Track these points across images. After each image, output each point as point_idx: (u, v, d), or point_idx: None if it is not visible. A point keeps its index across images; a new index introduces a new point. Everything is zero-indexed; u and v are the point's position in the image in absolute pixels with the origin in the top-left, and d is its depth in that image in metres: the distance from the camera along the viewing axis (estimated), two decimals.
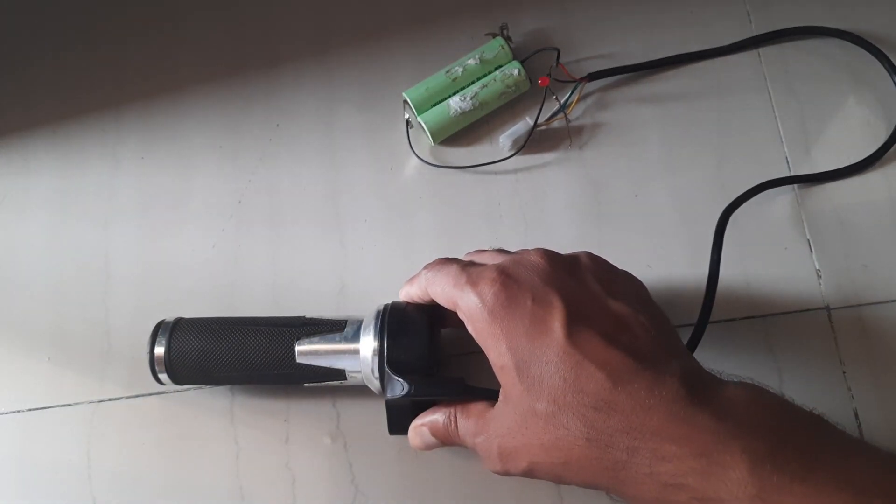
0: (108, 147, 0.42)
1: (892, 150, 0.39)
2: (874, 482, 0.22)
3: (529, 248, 0.31)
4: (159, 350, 0.33)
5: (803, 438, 0.24)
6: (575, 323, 0.26)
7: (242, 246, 0.39)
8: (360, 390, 0.33)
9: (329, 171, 0.41)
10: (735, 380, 0.27)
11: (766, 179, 0.38)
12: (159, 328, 0.33)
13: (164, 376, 0.33)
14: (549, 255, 0.30)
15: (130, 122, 0.42)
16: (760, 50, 0.42)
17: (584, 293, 0.28)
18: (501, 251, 0.32)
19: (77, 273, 0.39)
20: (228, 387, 0.36)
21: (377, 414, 0.33)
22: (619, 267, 0.31)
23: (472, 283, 0.28)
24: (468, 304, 0.28)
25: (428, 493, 0.34)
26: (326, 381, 0.33)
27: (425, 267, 0.32)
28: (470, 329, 0.29)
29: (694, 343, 0.33)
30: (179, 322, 0.34)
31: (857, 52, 0.40)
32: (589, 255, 0.30)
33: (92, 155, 0.42)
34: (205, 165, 0.41)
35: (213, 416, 0.36)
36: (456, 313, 0.29)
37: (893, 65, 0.40)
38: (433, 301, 0.31)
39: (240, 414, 0.36)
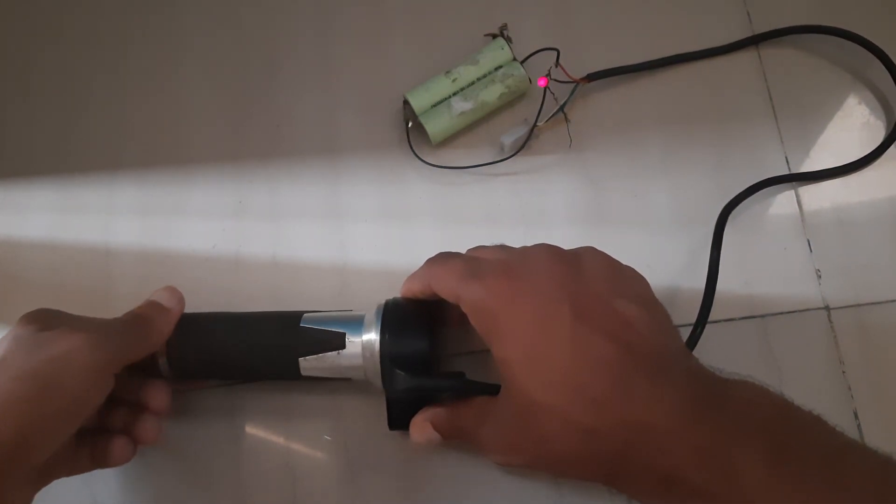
0: (109, 147, 0.42)
1: (891, 148, 0.39)
2: (869, 485, 0.23)
3: (533, 244, 0.31)
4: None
5: (802, 439, 0.24)
6: (578, 318, 0.26)
7: (243, 246, 0.40)
8: (361, 388, 0.33)
9: (329, 172, 0.41)
10: (734, 378, 0.27)
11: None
12: None
13: (164, 367, 0.33)
14: (554, 251, 0.30)
15: (131, 123, 0.43)
16: (760, 49, 0.42)
17: (587, 289, 0.28)
18: (504, 247, 0.32)
19: (77, 272, 0.39)
20: (229, 386, 0.36)
21: (377, 412, 0.34)
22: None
23: (477, 276, 0.28)
24: (472, 297, 0.28)
25: (428, 490, 0.34)
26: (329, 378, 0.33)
27: (427, 261, 0.32)
28: (473, 322, 0.29)
29: (693, 342, 0.34)
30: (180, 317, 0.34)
31: (856, 50, 0.40)
32: (593, 250, 0.30)
33: (93, 154, 0.42)
34: (205, 166, 0.41)
35: (213, 416, 0.36)
36: (456, 310, 0.29)
37: (893, 63, 0.40)
38: (435, 296, 0.30)
39: (240, 413, 0.36)
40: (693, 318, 0.34)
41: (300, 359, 0.32)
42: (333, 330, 0.32)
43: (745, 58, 0.42)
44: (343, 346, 0.32)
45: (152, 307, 0.33)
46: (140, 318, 0.32)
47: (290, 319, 0.33)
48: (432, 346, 0.31)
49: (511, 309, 0.27)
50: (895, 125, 0.40)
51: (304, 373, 0.32)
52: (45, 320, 0.29)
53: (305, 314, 0.33)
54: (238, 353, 0.33)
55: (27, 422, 0.26)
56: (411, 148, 0.40)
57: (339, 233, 0.40)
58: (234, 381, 0.36)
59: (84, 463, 0.32)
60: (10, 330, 0.29)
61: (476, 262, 0.30)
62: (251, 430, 0.36)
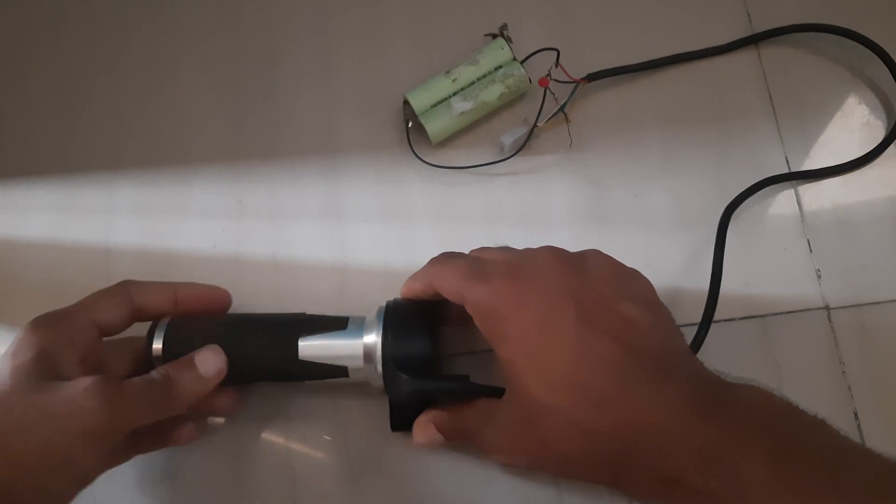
0: (109, 147, 0.42)
1: (891, 147, 0.39)
2: (871, 489, 0.22)
3: (537, 246, 0.31)
4: (157, 346, 0.32)
5: (805, 442, 0.24)
6: (582, 320, 0.26)
7: (243, 246, 0.40)
8: (361, 389, 0.33)
9: (329, 172, 0.41)
10: (739, 381, 0.27)
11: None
12: (157, 323, 0.33)
13: None
14: (558, 253, 0.30)
15: (131, 123, 0.43)
16: (760, 49, 0.42)
17: (592, 291, 0.28)
18: (508, 248, 0.32)
19: (77, 272, 0.39)
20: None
21: (377, 413, 0.34)
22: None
23: (482, 276, 0.28)
24: (477, 297, 0.28)
25: (429, 491, 0.34)
26: (328, 379, 0.33)
27: (430, 261, 0.32)
28: (477, 323, 0.29)
29: (698, 342, 0.33)
30: (178, 317, 0.33)
31: (856, 49, 0.40)
32: (598, 253, 0.31)
33: (92, 154, 0.42)
34: (205, 166, 0.41)
35: (213, 417, 0.36)
36: (457, 311, 0.29)
37: (893, 61, 0.40)
38: (436, 296, 0.30)
39: (240, 414, 0.36)
40: (694, 319, 0.34)
41: (299, 340, 0.32)
42: (336, 365, 0.32)
43: (745, 57, 0.42)
44: (347, 376, 0.32)
45: (187, 371, 0.30)
46: (168, 382, 0.30)
47: (290, 317, 0.33)
48: (434, 348, 0.31)
49: (516, 310, 0.27)
50: (895, 124, 0.40)
51: (301, 356, 0.32)
52: (52, 344, 0.28)
53: (301, 337, 0.32)
54: (236, 348, 0.32)
55: (12, 477, 0.26)
56: (411, 148, 0.40)
57: (339, 233, 0.40)
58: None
59: (122, 455, 0.32)
60: (16, 337, 0.29)
61: (480, 263, 0.30)
62: (251, 430, 0.36)
